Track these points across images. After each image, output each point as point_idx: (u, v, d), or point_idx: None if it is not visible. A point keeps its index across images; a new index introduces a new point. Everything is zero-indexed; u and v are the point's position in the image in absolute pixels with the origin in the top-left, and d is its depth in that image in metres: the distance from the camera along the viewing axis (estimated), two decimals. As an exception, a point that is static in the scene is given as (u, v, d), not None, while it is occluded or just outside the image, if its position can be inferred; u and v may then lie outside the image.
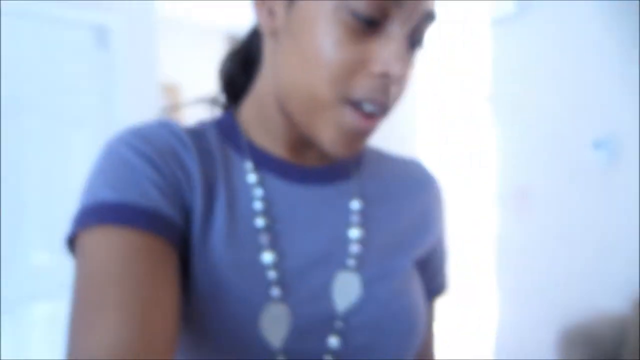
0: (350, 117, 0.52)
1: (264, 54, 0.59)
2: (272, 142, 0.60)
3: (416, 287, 0.61)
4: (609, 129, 2.56)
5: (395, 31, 0.50)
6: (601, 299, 2.42)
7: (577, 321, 2.29)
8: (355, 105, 0.51)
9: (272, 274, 0.54)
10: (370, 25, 0.50)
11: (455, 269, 4.34)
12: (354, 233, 0.59)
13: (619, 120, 2.52)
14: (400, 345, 0.57)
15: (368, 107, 0.51)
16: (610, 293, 2.39)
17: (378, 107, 0.52)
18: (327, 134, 0.53)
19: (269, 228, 0.56)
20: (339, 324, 0.55)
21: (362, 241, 0.59)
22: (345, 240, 0.59)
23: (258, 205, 0.56)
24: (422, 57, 0.58)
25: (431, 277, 0.68)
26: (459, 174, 4.37)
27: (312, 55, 0.50)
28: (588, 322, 2.28)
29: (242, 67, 0.65)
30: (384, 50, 0.50)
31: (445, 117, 4.32)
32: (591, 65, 2.62)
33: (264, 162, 0.59)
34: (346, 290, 0.57)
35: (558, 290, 2.63)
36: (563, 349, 2.26)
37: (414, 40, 0.52)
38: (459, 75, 4.13)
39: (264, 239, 0.55)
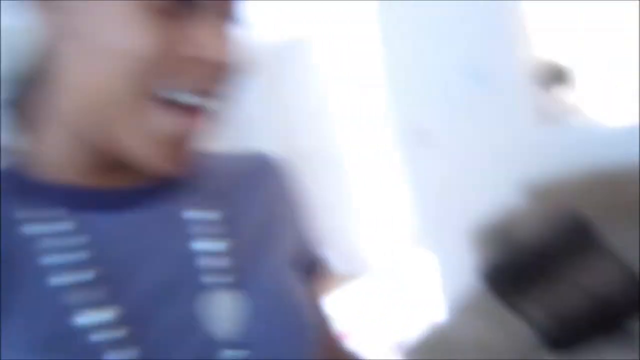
0: (162, 120, 0.43)
1: (49, 69, 0.46)
2: (77, 172, 0.48)
3: (293, 281, 0.57)
4: (478, 60, 2.95)
5: (207, 9, 0.44)
6: (506, 198, 2.78)
7: (488, 222, 2.62)
8: (168, 102, 0.43)
9: (105, 336, 0.41)
10: (176, 5, 0.42)
11: (376, 209, 4.71)
12: (209, 246, 0.50)
13: (486, 51, 2.92)
14: (298, 345, 0.51)
15: (186, 99, 0.43)
16: (512, 191, 2.76)
17: (202, 96, 0.44)
18: (139, 147, 0.43)
19: (87, 283, 0.43)
20: (227, 353, 0.46)
21: (222, 253, 0.51)
22: (200, 257, 0.50)
23: (64, 258, 0.43)
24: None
25: (301, 259, 0.62)
26: (362, 129, 4.68)
27: (107, 49, 0.41)
28: (497, 220, 2.62)
29: (29, 92, 0.49)
30: (195, 31, 0.43)
31: (340, 75, 4.60)
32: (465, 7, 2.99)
33: (70, 201, 0.46)
34: (219, 311, 0.48)
35: (470, 202, 2.97)
36: (480, 249, 2.58)
37: (229, 17, 0.46)
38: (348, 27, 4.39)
39: (80, 296, 0.42)
